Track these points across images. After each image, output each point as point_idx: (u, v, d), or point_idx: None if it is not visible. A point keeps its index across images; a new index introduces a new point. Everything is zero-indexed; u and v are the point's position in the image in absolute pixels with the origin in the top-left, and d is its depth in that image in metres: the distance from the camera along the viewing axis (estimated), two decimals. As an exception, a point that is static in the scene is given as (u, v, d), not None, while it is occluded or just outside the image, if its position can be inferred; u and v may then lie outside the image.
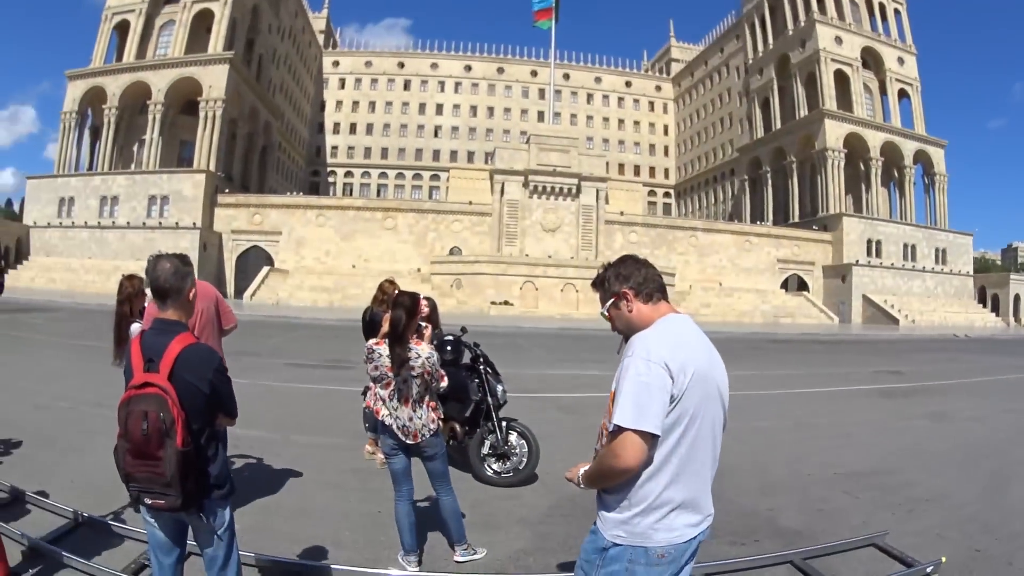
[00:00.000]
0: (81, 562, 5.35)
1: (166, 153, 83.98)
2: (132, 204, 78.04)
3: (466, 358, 9.49)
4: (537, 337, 37.20)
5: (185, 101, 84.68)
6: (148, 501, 3.54)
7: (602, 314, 3.50)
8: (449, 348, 9.35)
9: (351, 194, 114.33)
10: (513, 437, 8.95)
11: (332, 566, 5.69)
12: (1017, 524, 7.23)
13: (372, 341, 6.28)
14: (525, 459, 8.82)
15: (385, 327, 6.12)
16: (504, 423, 8.94)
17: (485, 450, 8.94)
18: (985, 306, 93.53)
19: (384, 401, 6.04)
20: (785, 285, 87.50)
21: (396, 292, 7.39)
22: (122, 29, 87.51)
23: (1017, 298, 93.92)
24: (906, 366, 26.65)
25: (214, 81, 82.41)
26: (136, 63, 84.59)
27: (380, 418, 6.03)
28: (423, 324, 7.00)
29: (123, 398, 3.53)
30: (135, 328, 6.76)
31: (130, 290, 7.05)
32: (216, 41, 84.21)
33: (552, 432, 9.87)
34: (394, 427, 5.94)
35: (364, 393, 10.42)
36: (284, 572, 5.58)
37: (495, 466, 8.93)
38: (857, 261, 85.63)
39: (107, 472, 7.85)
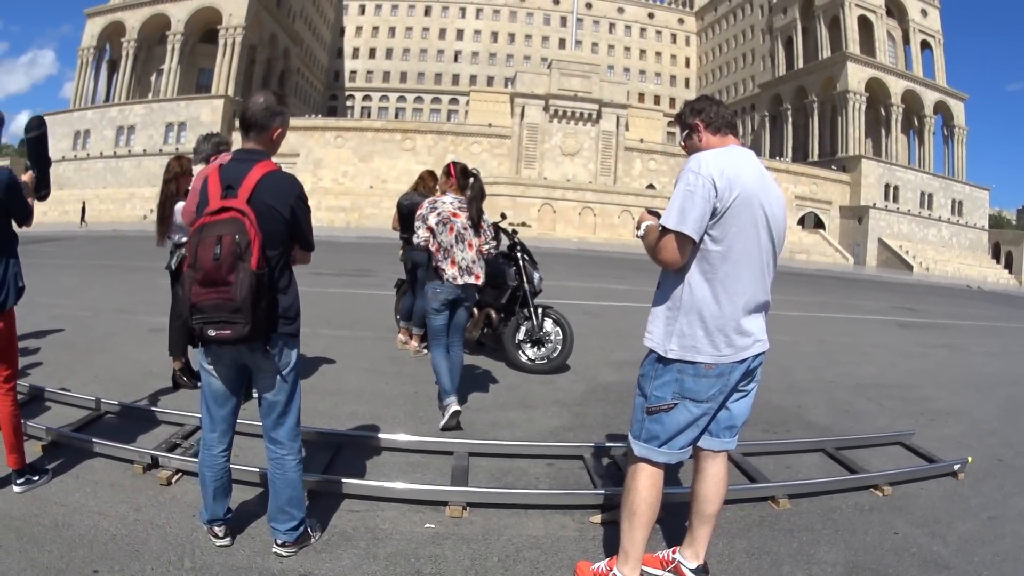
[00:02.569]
0: (109, 445, 5.04)
1: (184, 81, 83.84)
2: (149, 132, 78.00)
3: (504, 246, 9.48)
4: (556, 256, 37.11)
5: (204, 30, 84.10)
6: (212, 332, 3.33)
7: (681, 145, 3.76)
8: None
9: (370, 117, 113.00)
10: (548, 323, 9.01)
11: (377, 435, 5.77)
12: (1036, 444, 7.28)
13: (430, 199, 6.80)
14: (560, 346, 8.89)
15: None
16: (540, 309, 8.99)
17: (520, 336, 9.00)
18: (999, 262, 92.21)
19: (446, 249, 6.49)
20: (802, 222, 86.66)
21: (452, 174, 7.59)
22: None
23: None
24: (920, 306, 26.59)
25: (235, 9, 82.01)
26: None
27: (439, 265, 6.46)
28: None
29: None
30: (179, 207, 6.80)
31: (177, 169, 7.03)
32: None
33: (580, 332, 9.84)
34: (454, 273, 6.49)
35: (397, 287, 10.56)
36: (326, 443, 5.60)
37: (530, 352, 9.01)
38: (874, 204, 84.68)
39: (133, 365, 8.00)
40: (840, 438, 6.55)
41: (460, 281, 6.51)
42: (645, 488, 3.49)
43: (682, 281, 3.37)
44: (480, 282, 6.68)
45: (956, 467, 5.81)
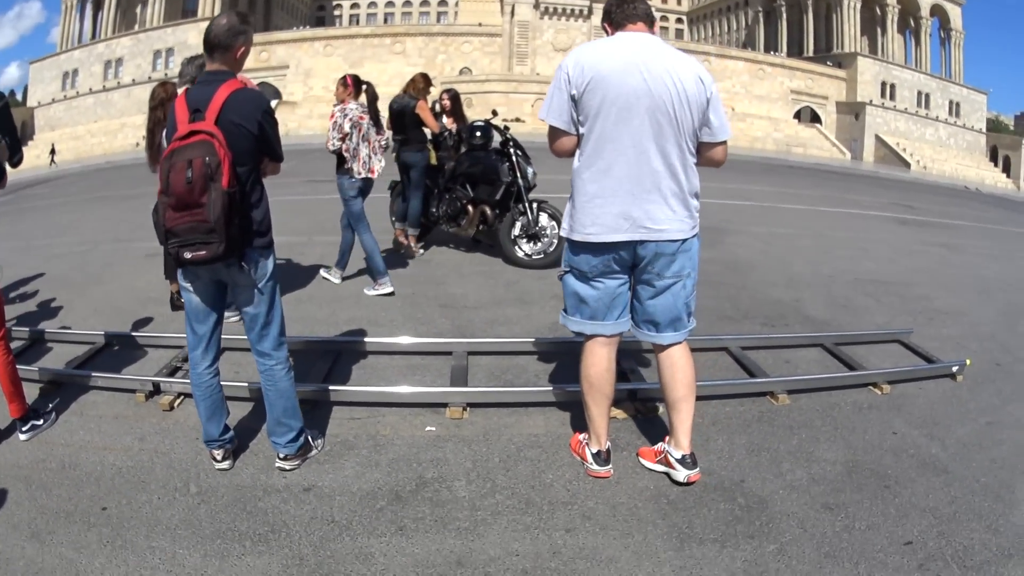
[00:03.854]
0: (108, 377, 5.06)
1: (170, 8, 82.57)
2: (137, 62, 77.18)
3: (496, 143, 9.41)
4: (547, 150, 36.52)
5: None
6: (188, 255, 3.35)
7: None
8: (479, 133, 9.32)
9: (359, 24, 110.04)
10: (544, 218, 8.99)
11: (375, 340, 5.79)
12: (1034, 350, 7.29)
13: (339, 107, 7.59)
14: (555, 240, 8.86)
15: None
16: (535, 204, 8.97)
17: (516, 232, 9.02)
18: (997, 166, 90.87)
19: (355, 149, 7.44)
20: (798, 116, 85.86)
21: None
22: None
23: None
24: (919, 203, 26.37)
25: (217, -73, 79.68)
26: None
27: (349, 164, 7.44)
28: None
29: (165, 152, 3.40)
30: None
31: (163, 95, 6.81)
32: None
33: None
34: (359, 168, 7.45)
35: (391, 188, 10.48)
36: (324, 351, 5.61)
37: (526, 248, 9.05)
38: (871, 101, 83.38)
39: (131, 293, 7.99)
40: (839, 334, 6.57)
41: (363, 175, 7.47)
42: (585, 362, 3.81)
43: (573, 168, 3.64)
44: (375, 176, 7.62)
45: (955, 369, 5.79)
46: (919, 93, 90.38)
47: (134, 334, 6.12)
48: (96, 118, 74.37)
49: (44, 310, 7.59)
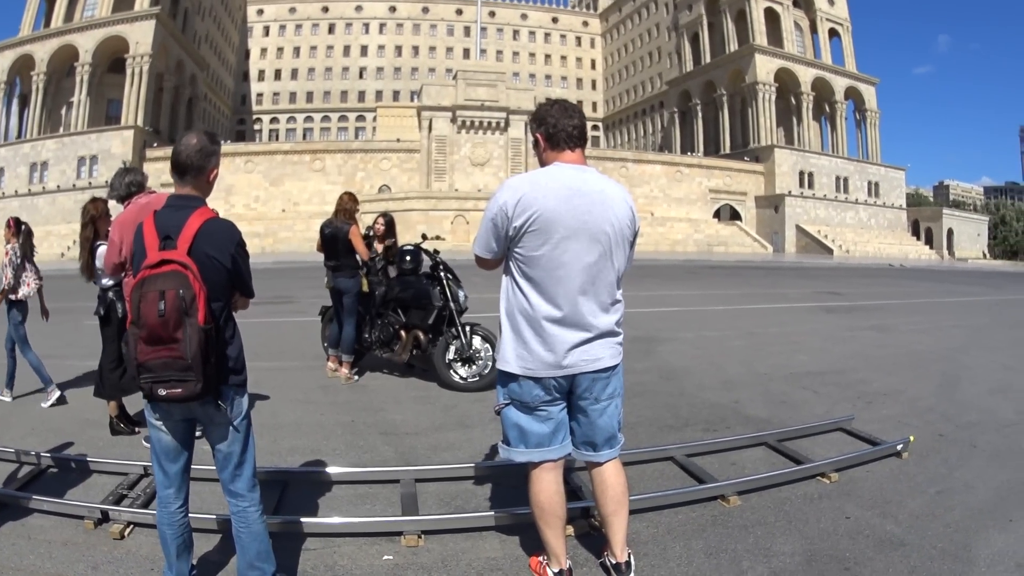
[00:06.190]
0: (55, 502, 4.87)
1: (94, 113, 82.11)
2: (61, 167, 76.06)
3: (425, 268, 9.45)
4: (474, 268, 36.78)
5: (112, 59, 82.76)
6: (163, 392, 3.19)
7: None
8: (408, 258, 9.36)
9: (278, 139, 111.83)
10: (477, 341, 9.00)
11: (322, 469, 5.65)
12: (973, 415, 7.49)
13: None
14: (490, 363, 8.81)
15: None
16: (468, 327, 8.99)
17: (451, 355, 8.96)
18: (919, 239, 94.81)
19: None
20: (718, 215, 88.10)
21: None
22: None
23: (950, 232, 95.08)
24: (845, 289, 27.18)
25: (141, 37, 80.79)
26: (64, 27, 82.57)
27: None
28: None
29: (134, 281, 3.23)
30: (101, 250, 6.63)
31: (93, 212, 6.87)
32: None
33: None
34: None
35: (322, 314, 10.45)
36: (272, 482, 5.38)
37: (461, 372, 8.97)
38: (790, 192, 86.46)
39: (68, 413, 7.74)
40: (781, 430, 6.62)
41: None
42: (533, 489, 3.79)
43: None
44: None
45: (899, 447, 5.95)
46: (837, 178, 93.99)
47: (76, 457, 5.90)
48: (21, 223, 72.61)
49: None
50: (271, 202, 76.85)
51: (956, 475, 5.47)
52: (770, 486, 5.23)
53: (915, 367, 10.16)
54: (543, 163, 3.77)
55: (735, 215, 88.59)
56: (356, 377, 9.57)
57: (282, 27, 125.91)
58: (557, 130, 3.67)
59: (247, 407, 3.63)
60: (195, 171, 3.48)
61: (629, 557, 3.85)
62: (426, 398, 8.52)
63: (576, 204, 3.51)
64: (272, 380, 9.27)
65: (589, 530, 4.53)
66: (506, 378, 3.72)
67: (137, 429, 6.85)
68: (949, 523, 4.50)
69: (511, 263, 3.66)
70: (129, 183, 6.53)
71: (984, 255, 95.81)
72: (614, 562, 3.84)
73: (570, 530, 4.43)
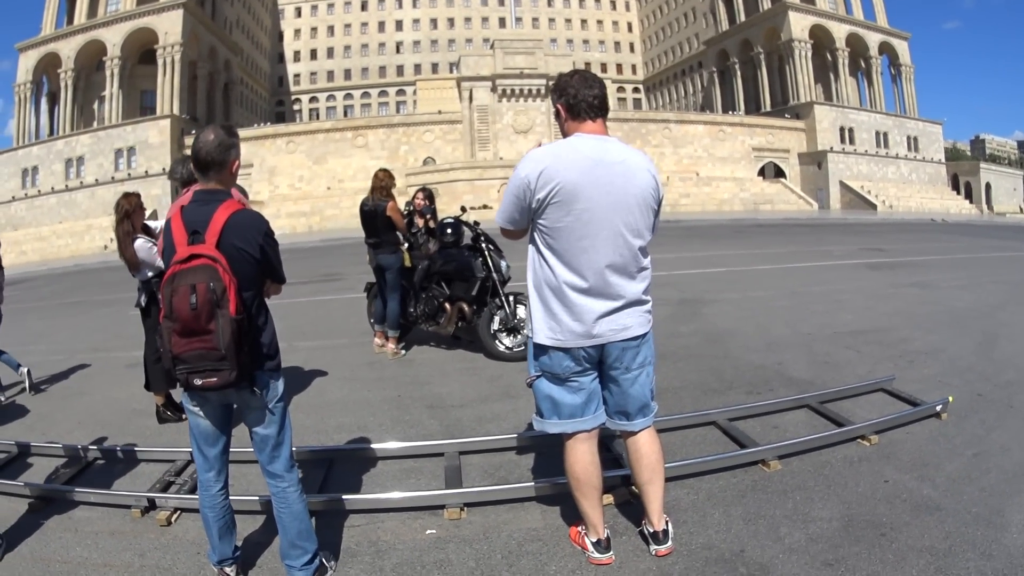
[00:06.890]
0: (102, 493, 5.00)
1: (128, 105, 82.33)
2: (99, 161, 76.34)
3: (467, 239, 9.52)
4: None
5: (142, 51, 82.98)
6: (198, 382, 3.28)
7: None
8: (449, 230, 9.42)
9: (319, 118, 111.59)
10: (521, 310, 9.04)
11: (367, 446, 5.76)
12: (1011, 373, 7.41)
13: None
14: None
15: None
16: (511, 297, 9.06)
17: (495, 326, 9.05)
18: (959, 193, 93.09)
19: None
20: (762, 173, 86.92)
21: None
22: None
23: (988, 186, 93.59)
24: (888, 245, 26.77)
25: (170, 27, 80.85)
26: (88, 23, 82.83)
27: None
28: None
29: (166, 276, 3.30)
30: (139, 244, 6.77)
31: (127, 207, 6.91)
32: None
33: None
34: None
35: (367, 291, 10.56)
36: (318, 460, 5.59)
37: (506, 341, 9.06)
38: (832, 148, 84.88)
39: (115, 405, 7.93)
40: (823, 392, 6.61)
41: None
42: (568, 460, 3.87)
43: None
44: None
45: (939, 408, 5.93)
46: (877, 133, 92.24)
47: (123, 447, 6.04)
48: (61, 218, 73.45)
49: (25, 421, 7.59)
50: (315, 181, 76.90)
51: (993, 436, 5.46)
52: (810, 449, 5.25)
53: (955, 324, 10.07)
54: (565, 134, 3.83)
55: (779, 172, 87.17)
56: (403, 352, 9.68)
57: (314, 7, 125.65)
58: (578, 100, 3.73)
59: (282, 391, 3.72)
60: (217, 166, 3.55)
61: (667, 525, 3.92)
62: (472, 369, 8.61)
63: (598, 175, 3.56)
64: (320, 358, 9.46)
65: (629, 498, 4.58)
66: (537, 350, 3.79)
67: (184, 416, 6.89)
68: (984, 487, 4.51)
69: (535, 234, 3.71)
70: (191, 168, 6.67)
71: (1020, 209, 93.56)
72: (652, 530, 3.92)
73: (610, 499, 4.52)
